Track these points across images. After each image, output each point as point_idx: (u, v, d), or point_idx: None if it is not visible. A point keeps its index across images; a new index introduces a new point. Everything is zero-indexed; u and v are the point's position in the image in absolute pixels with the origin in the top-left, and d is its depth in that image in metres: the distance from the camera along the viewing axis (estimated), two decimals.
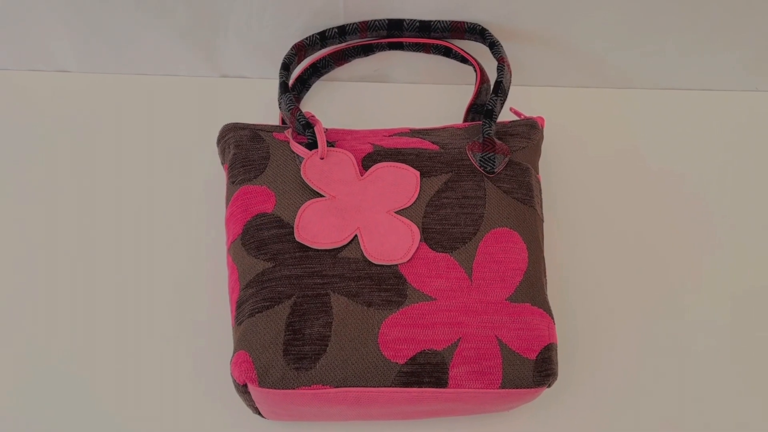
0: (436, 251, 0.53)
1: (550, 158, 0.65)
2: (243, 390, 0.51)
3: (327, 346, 0.50)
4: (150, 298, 0.61)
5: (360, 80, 0.71)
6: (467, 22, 0.64)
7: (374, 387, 0.50)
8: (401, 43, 0.66)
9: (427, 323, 0.51)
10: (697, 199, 0.66)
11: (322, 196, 0.54)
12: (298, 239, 0.52)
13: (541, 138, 0.62)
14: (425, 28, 0.65)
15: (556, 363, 0.52)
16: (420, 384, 0.50)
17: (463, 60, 0.66)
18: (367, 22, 0.64)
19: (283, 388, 0.49)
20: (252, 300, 0.52)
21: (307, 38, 0.64)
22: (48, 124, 0.67)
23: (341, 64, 0.69)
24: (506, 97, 0.61)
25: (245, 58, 0.69)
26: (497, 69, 0.61)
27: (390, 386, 0.50)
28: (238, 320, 0.52)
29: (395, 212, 0.54)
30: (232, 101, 0.69)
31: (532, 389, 0.51)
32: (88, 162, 0.66)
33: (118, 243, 0.62)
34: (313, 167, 0.55)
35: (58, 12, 0.65)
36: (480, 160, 0.56)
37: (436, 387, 0.50)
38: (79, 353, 0.58)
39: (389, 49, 0.67)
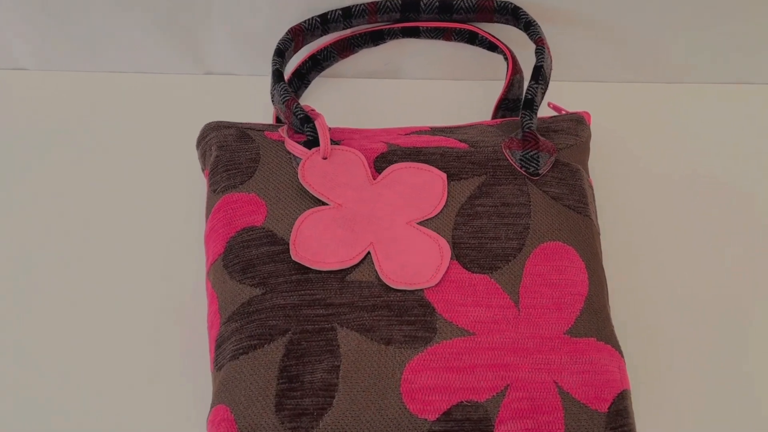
0: (472, 272, 0.42)
1: (593, 164, 0.54)
2: None
3: (333, 398, 0.38)
4: (113, 332, 0.50)
5: (368, 76, 0.61)
6: (497, 0, 0.53)
7: None
8: (417, 28, 0.56)
9: (464, 366, 0.39)
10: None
11: (325, 204, 0.43)
12: (294, 258, 0.41)
13: (589, 136, 0.51)
14: (446, 8, 0.54)
15: (633, 415, 0.41)
16: None
17: (492, 47, 0.56)
18: (377, 2, 0.54)
19: None
20: (235, 337, 0.40)
21: (305, 21, 0.54)
22: (13, 126, 0.59)
23: (346, 56, 0.58)
24: (548, 85, 0.50)
25: (233, 51, 0.59)
26: (536, 52, 0.50)
27: None
28: (218, 364, 0.41)
29: (417, 223, 0.43)
30: (219, 102, 0.60)
31: None
32: (58, 168, 0.57)
33: (83, 263, 0.53)
34: (314, 169, 0.44)
35: (18, 7, 0.55)
36: (521, 160, 0.46)
37: None
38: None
39: (403, 37, 0.57)
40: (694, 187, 0.56)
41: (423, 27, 0.56)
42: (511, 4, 0.53)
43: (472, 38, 0.56)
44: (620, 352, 0.42)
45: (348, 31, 0.57)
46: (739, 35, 0.59)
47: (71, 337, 0.49)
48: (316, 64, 0.58)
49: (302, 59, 0.57)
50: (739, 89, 0.62)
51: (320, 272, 0.42)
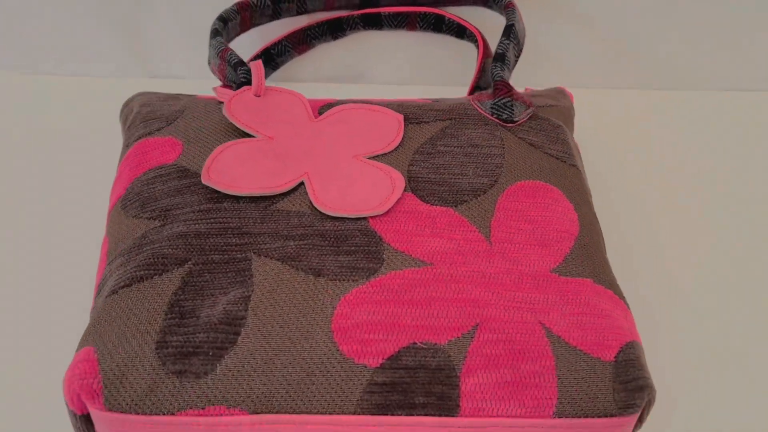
0: (432, 204, 0.33)
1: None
2: (83, 427, 0.28)
3: (239, 335, 0.28)
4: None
5: (328, 81, 0.55)
6: None
7: (323, 414, 0.27)
8: (378, 16, 0.51)
9: (417, 299, 0.29)
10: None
11: (252, 137, 0.36)
12: (204, 182, 0.33)
13: (572, 108, 0.44)
14: None
15: (648, 372, 0.30)
16: (409, 408, 0.28)
17: (460, 32, 0.51)
18: None
19: (151, 413, 0.27)
20: (119, 272, 0.31)
21: None
22: None
23: (303, 50, 0.53)
24: (520, 48, 0.44)
25: (178, 53, 0.54)
26: (506, 14, 0.45)
27: (353, 413, 0.27)
28: (92, 312, 0.31)
29: (367, 158, 0.35)
30: None
31: (615, 418, 0.28)
32: None
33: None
34: (243, 103, 0.37)
35: None
36: (492, 108, 0.39)
37: (439, 413, 0.27)
38: None
39: (364, 28, 0.52)
40: (684, 188, 0.50)
41: (385, 13, 0.51)
42: None
43: (439, 24, 0.51)
44: (626, 303, 0.32)
45: (304, 20, 0.52)
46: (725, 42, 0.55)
47: None
48: (269, 60, 0.52)
49: (254, 53, 0.52)
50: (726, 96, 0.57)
51: (238, 201, 0.33)
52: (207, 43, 0.45)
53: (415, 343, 0.28)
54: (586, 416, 0.29)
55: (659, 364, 0.36)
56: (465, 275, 0.30)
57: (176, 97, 0.41)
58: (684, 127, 0.55)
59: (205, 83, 0.53)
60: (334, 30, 0.52)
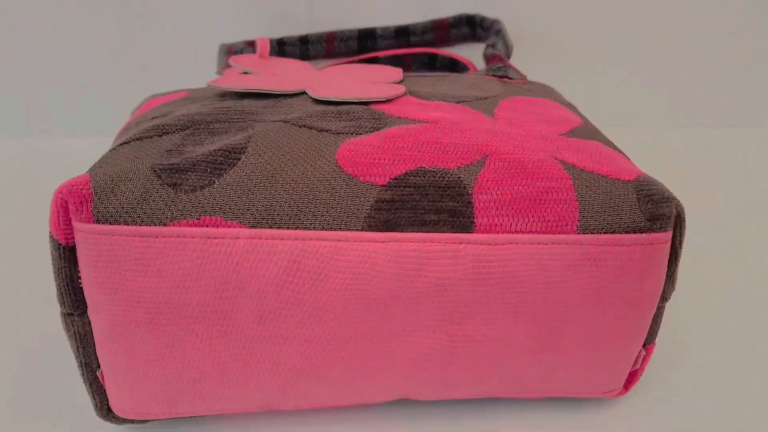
0: (432, 101, 0.34)
1: None
2: (65, 260, 0.26)
3: (240, 159, 0.27)
4: None
5: None
6: (450, 16, 0.54)
7: (328, 230, 0.25)
8: (376, 60, 0.55)
9: (424, 139, 0.29)
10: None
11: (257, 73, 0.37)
12: (211, 83, 0.34)
13: None
14: (402, 33, 0.55)
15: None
16: (419, 225, 0.26)
17: (453, 65, 0.54)
18: (334, 33, 0.55)
19: (141, 223, 0.25)
20: (121, 140, 0.30)
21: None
22: None
23: None
24: (509, 48, 0.48)
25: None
26: (492, 26, 0.49)
27: (361, 229, 0.26)
28: None
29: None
30: None
31: (644, 234, 0.26)
32: None
33: None
34: (248, 59, 0.39)
35: None
36: (488, 71, 0.41)
37: (452, 230, 0.26)
38: None
39: None
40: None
41: (382, 57, 0.55)
42: (464, 14, 0.54)
43: (432, 62, 0.55)
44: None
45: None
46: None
47: None
48: None
49: None
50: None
51: (242, 95, 0.33)
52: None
53: (422, 167, 0.27)
54: (613, 231, 0.26)
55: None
56: (471, 128, 0.30)
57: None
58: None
59: None
60: None
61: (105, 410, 0.29)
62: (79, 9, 0.55)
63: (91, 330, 0.27)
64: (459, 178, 0.27)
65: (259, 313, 0.26)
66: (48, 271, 0.39)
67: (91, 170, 0.27)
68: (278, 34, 0.55)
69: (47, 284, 0.36)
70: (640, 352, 0.30)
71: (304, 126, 0.29)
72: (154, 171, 0.26)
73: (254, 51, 0.51)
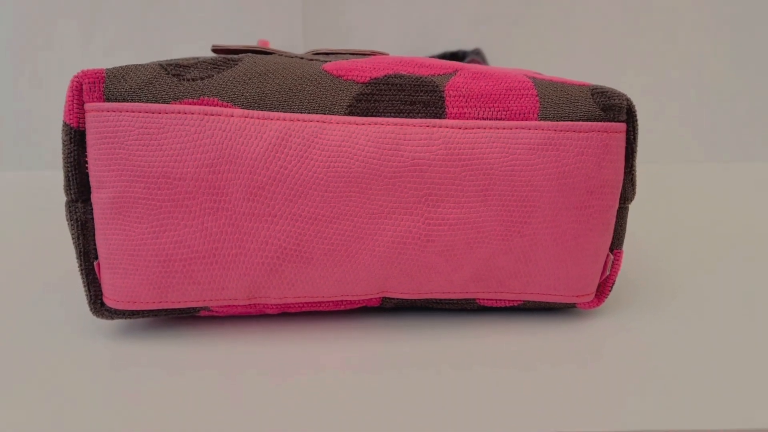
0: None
1: None
2: (74, 144, 0.29)
3: (237, 63, 0.30)
4: None
5: None
6: (438, 54, 0.60)
7: (315, 113, 0.29)
8: None
9: (404, 60, 0.32)
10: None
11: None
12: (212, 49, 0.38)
13: None
14: None
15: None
16: (396, 112, 0.29)
17: None
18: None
19: (146, 101, 0.28)
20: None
21: None
22: None
23: None
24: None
25: None
26: (473, 53, 0.54)
27: (342, 114, 0.29)
28: None
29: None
30: None
31: (599, 123, 0.29)
32: None
33: None
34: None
35: None
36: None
37: (425, 117, 0.29)
38: None
39: None
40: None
41: None
42: (449, 52, 0.59)
43: None
44: None
45: None
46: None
47: None
48: None
49: None
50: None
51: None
52: None
53: (399, 72, 0.30)
54: (570, 119, 0.29)
55: None
56: (440, 65, 0.33)
57: None
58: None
59: None
60: None
61: (98, 304, 0.30)
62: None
63: (92, 218, 0.30)
64: (432, 80, 0.30)
65: (249, 189, 0.28)
66: None
67: (106, 69, 0.30)
68: None
69: None
70: (608, 257, 0.32)
71: (295, 58, 0.33)
72: (161, 65, 0.30)
73: None
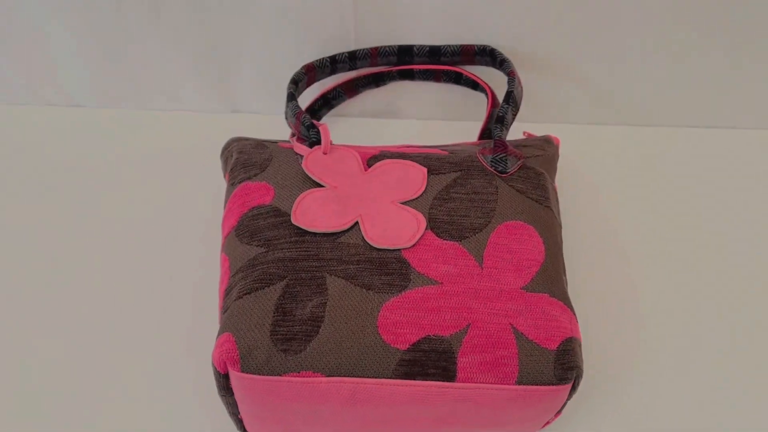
0: (444, 239, 0.49)
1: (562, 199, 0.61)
2: (224, 384, 0.45)
3: (320, 327, 0.45)
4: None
5: (371, 116, 0.71)
6: (477, 45, 0.64)
7: (372, 378, 0.44)
8: (411, 71, 0.67)
9: (431, 307, 0.46)
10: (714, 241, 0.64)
11: (323, 186, 0.52)
12: (294, 222, 0.49)
13: (557, 153, 0.59)
14: (435, 52, 0.65)
15: (581, 357, 0.46)
16: (425, 375, 0.44)
17: (474, 85, 0.66)
18: (378, 48, 0.65)
19: (268, 374, 0.44)
20: (240, 284, 0.47)
21: (317, 60, 0.64)
22: (46, 160, 0.69)
23: (352, 95, 0.69)
24: (517, 108, 0.59)
25: (257, 90, 0.70)
26: (508, 82, 0.60)
27: (390, 377, 0.44)
28: (225, 308, 0.48)
29: (400, 203, 0.51)
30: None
31: (554, 387, 0.44)
32: (88, 200, 0.66)
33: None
34: (315, 160, 0.53)
35: (74, 42, 0.67)
36: (491, 162, 0.54)
37: (443, 380, 0.44)
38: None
39: (400, 79, 0.68)
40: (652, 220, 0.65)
41: (416, 70, 0.66)
42: (489, 47, 0.63)
43: (458, 78, 0.66)
44: (572, 311, 0.48)
45: (353, 73, 0.67)
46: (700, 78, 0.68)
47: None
48: (326, 103, 0.68)
49: (315, 98, 0.68)
50: (698, 132, 0.71)
51: (315, 235, 0.49)
52: (281, 83, 0.61)
53: (429, 335, 0.45)
54: (536, 384, 0.45)
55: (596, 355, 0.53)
56: (463, 291, 0.46)
57: (264, 145, 0.57)
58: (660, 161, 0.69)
59: (277, 119, 0.69)
60: (377, 81, 0.68)
61: None
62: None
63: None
64: (450, 344, 0.45)
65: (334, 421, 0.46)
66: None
67: (231, 329, 0.45)
68: (330, 53, 0.66)
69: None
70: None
71: (357, 285, 0.46)
72: (272, 340, 0.44)
73: (310, 76, 0.63)
